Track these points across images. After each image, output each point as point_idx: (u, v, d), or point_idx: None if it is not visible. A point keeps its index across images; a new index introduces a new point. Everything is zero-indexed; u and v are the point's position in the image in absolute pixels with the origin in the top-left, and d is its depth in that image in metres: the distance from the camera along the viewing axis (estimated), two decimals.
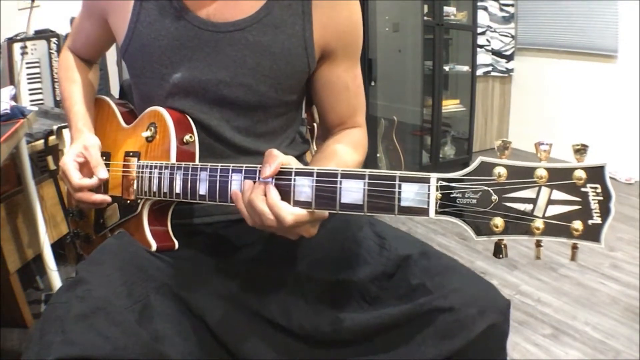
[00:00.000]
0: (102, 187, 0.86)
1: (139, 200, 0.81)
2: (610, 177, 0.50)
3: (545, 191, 0.51)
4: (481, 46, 3.56)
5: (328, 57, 0.84)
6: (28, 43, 2.12)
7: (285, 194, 0.63)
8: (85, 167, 0.84)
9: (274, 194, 0.63)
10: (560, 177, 0.51)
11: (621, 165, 3.13)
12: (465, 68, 3.37)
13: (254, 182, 0.65)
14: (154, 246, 0.79)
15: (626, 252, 2.24)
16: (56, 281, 1.61)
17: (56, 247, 1.71)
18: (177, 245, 0.81)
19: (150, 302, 0.70)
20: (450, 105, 3.39)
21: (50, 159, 1.62)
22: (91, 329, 0.61)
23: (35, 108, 1.85)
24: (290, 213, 0.62)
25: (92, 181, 0.82)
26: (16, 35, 2.14)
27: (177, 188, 0.74)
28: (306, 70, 0.83)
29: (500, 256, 0.55)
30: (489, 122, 3.86)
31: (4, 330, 1.59)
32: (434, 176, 0.55)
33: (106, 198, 0.84)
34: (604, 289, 1.95)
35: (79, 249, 1.01)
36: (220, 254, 0.83)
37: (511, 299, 1.91)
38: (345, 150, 0.83)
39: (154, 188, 0.78)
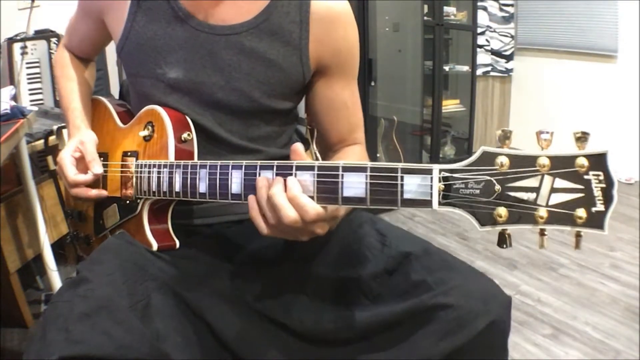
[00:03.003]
0: (100, 184, 0.86)
1: (138, 200, 0.81)
2: None
3: (548, 179, 0.51)
4: (481, 46, 3.56)
5: (324, 73, 0.84)
6: (28, 43, 2.11)
7: None
8: (81, 163, 0.85)
9: (296, 187, 0.60)
10: (562, 165, 0.50)
11: (621, 165, 3.13)
12: (465, 68, 3.37)
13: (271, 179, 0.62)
14: (154, 245, 0.79)
15: (626, 252, 2.23)
16: (56, 281, 1.61)
17: (56, 247, 1.71)
18: (178, 244, 0.81)
19: (151, 301, 0.70)
20: (450, 105, 3.38)
21: (50, 159, 1.62)
22: (95, 327, 0.61)
23: (35, 108, 1.85)
24: (314, 207, 0.59)
25: (87, 177, 0.82)
26: (16, 35, 2.14)
27: (177, 187, 0.74)
28: (301, 80, 0.83)
29: (505, 246, 0.55)
30: (489, 122, 3.85)
31: (4, 330, 1.59)
32: (436, 167, 0.55)
33: (102, 192, 0.84)
34: (604, 289, 1.95)
35: (79, 250, 1.01)
36: (220, 254, 0.83)
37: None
38: None
39: (154, 187, 0.78)
